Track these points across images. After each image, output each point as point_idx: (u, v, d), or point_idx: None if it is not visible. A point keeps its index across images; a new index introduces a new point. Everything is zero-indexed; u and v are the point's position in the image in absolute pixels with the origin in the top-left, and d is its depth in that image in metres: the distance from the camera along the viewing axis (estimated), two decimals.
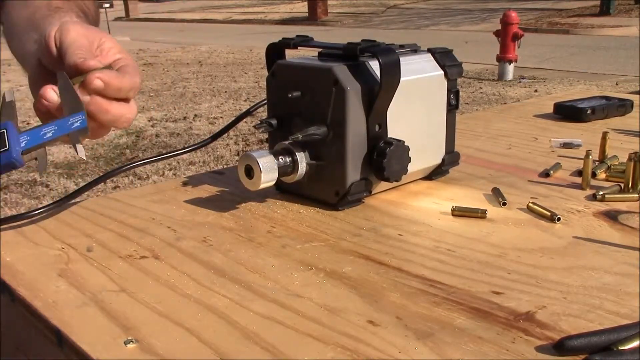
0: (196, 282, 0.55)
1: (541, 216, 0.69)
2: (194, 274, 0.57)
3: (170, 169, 3.67)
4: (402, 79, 0.70)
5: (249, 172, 0.69)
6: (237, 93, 6.05)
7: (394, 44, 0.76)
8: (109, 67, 0.59)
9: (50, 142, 0.53)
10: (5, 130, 0.51)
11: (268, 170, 0.69)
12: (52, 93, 0.57)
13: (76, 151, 0.54)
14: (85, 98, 0.57)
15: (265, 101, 0.78)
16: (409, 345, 0.46)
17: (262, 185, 0.69)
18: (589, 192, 0.76)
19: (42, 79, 0.63)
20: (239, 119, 0.84)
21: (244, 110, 0.88)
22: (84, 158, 0.55)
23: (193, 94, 6.06)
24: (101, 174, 0.66)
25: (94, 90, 0.57)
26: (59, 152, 3.94)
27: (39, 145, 0.52)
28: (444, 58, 0.79)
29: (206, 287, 0.54)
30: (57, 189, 3.29)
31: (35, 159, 0.53)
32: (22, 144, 0.52)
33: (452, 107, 0.80)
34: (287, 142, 0.72)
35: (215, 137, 0.85)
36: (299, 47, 0.77)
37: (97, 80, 0.56)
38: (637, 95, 1.26)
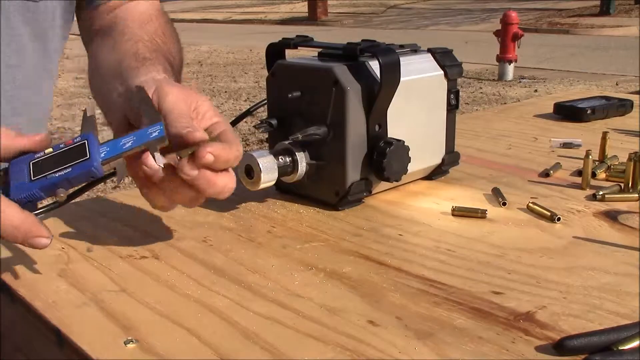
0: (196, 282, 0.55)
1: (541, 216, 0.69)
2: (194, 274, 0.57)
3: None
4: (402, 79, 0.70)
5: (249, 172, 0.69)
6: (237, 93, 6.05)
7: (394, 44, 0.76)
8: (213, 137, 0.57)
9: (128, 152, 0.52)
10: (86, 141, 0.52)
11: (268, 170, 0.69)
12: (152, 161, 0.54)
13: (154, 159, 0.53)
14: (192, 172, 0.54)
15: (265, 101, 0.78)
16: (409, 346, 0.46)
17: (262, 185, 0.69)
18: (589, 192, 0.76)
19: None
20: (238, 119, 0.84)
21: (244, 110, 0.87)
22: (162, 166, 0.53)
23: None
24: None
25: (204, 165, 0.55)
26: None
27: (118, 155, 0.52)
28: (444, 58, 0.79)
29: (206, 287, 0.54)
30: None
31: (114, 169, 0.53)
32: (102, 155, 0.52)
33: (452, 107, 0.80)
34: (287, 142, 0.72)
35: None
36: (299, 47, 0.77)
37: (208, 155, 0.54)
38: (637, 95, 1.26)
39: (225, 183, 0.56)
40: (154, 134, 0.52)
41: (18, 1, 0.70)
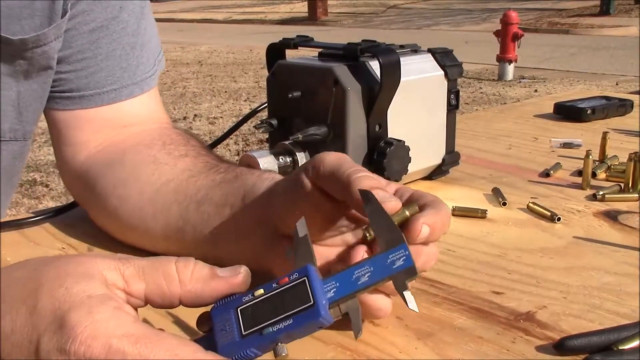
0: None
1: (541, 216, 0.69)
2: None
3: None
4: (402, 79, 0.70)
5: None
6: (237, 93, 6.05)
7: (394, 44, 0.76)
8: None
9: (365, 289, 0.39)
10: (306, 278, 0.38)
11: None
12: (385, 300, 0.44)
13: (405, 301, 0.38)
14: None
15: (265, 106, 0.78)
16: (409, 345, 0.46)
17: None
18: (589, 192, 0.76)
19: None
20: (240, 123, 0.84)
21: (244, 110, 0.87)
22: (416, 310, 0.38)
23: (193, 94, 6.06)
24: None
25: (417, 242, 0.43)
26: None
27: (352, 294, 0.38)
28: (444, 58, 0.79)
29: None
30: (57, 188, 3.28)
31: (347, 314, 0.38)
32: (330, 295, 0.38)
33: (452, 107, 0.80)
34: (287, 142, 0.72)
35: (214, 144, 0.85)
36: (299, 47, 0.77)
37: (424, 228, 0.43)
38: (637, 95, 1.26)
39: (432, 252, 0.45)
40: (398, 263, 0.39)
41: None
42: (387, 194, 0.43)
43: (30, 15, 0.61)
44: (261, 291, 0.38)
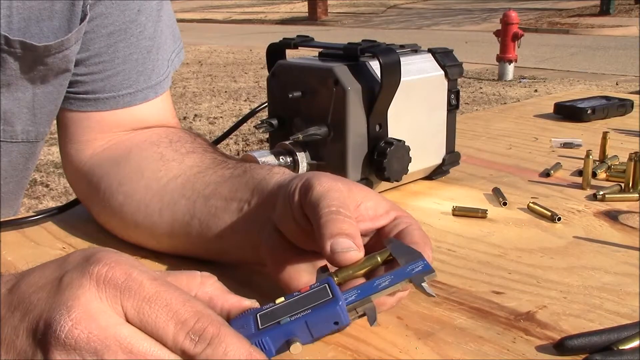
0: None
1: (541, 216, 0.69)
2: None
3: None
4: (402, 79, 0.70)
5: None
6: (237, 93, 6.05)
7: (394, 44, 0.76)
8: (391, 240, 0.47)
9: (385, 290, 0.41)
10: (327, 285, 0.41)
11: None
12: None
13: (424, 291, 0.41)
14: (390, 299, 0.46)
15: (265, 106, 0.78)
16: (409, 345, 0.46)
17: None
18: (589, 192, 0.76)
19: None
20: (240, 122, 0.84)
21: (244, 110, 0.87)
22: (434, 295, 0.41)
23: (193, 94, 6.06)
24: None
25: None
26: (58, 152, 3.95)
27: (368, 298, 0.41)
28: (445, 58, 0.79)
29: None
30: (57, 188, 3.28)
31: (364, 314, 0.41)
32: (351, 297, 0.40)
33: (453, 107, 0.80)
34: (287, 142, 0.72)
35: (214, 144, 0.85)
36: (299, 47, 0.77)
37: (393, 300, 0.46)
38: (637, 95, 1.26)
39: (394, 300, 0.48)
40: (416, 269, 0.42)
41: None
42: (350, 244, 0.43)
43: (49, 16, 0.60)
44: (282, 299, 0.41)
